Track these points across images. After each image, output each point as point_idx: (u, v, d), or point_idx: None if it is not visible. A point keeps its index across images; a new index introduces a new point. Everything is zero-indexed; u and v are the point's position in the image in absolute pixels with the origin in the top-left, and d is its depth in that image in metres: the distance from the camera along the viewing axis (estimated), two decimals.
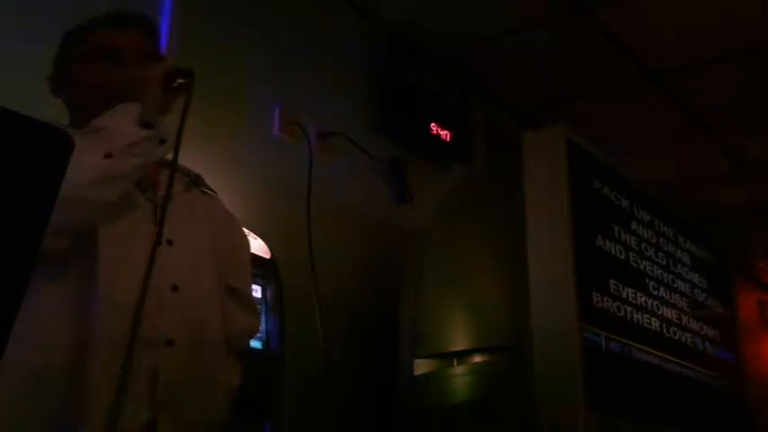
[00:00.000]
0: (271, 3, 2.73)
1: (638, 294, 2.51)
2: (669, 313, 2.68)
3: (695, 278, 2.95)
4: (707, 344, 2.89)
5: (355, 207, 2.85)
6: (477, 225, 2.48)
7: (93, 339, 1.19)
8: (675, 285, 2.79)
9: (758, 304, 5.87)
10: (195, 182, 1.50)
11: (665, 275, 2.73)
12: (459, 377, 2.35)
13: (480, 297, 2.40)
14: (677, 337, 2.68)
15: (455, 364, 2.39)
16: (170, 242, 1.32)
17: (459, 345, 2.38)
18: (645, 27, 3.14)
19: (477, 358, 2.35)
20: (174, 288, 1.30)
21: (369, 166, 2.94)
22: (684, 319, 2.77)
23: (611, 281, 2.39)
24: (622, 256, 2.50)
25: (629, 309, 2.43)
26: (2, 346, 0.59)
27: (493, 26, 3.17)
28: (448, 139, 3.26)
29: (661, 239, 2.78)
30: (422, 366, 2.46)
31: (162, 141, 1.28)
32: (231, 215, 1.59)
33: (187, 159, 1.41)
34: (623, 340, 2.34)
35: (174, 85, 1.35)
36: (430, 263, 2.58)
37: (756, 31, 3.13)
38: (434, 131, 3.21)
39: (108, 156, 1.19)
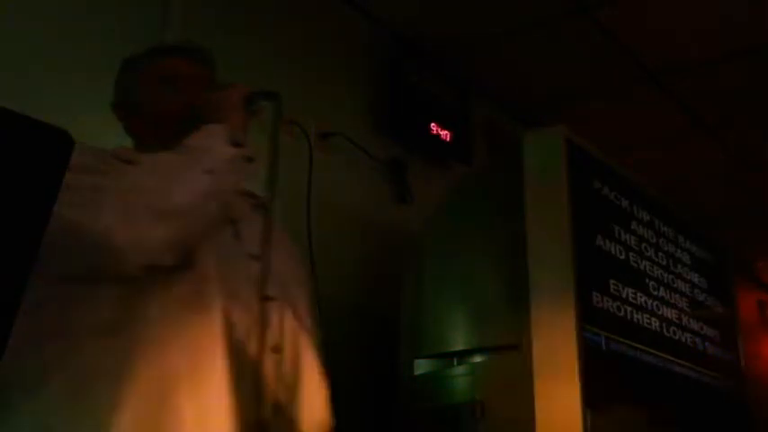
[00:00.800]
0: (271, 3, 2.73)
1: (638, 294, 2.51)
2: (669, 313, 2.68)
3: (695, 278, 2.95)
4: (707, 344, 2.89)
5: (355, 207, 2.85)
6: (477, 225, 2.48)
7: (210, 348, 1.23)
8: (675, 285, 2.79)
9: (758, 304, 5.87)
10: (261, 204, 1.53)
11: (665, 275, 2.73)
12: (459, 377, 2.35)
13: (480, 297, 2.40)
14: (677, 337, 2.68)
15: (455, 364, 2.39)
16: (255, 257, 1.36)
17: (459, 345, 2.38)
18: (645, 27, 3.14)
19: (477, 358, 2.35)
20: (272, 299, 1.34)
21: (369, 166, 2.94)
22: (684, 319, 2.77)
23: (611, 281, 2.39)
24: (622, 256, 2.50)
25: (629, 309, 2.43)
26: (2, 347, 0.59)
27: (493, 26, 3.17)
28: (448, 139, 3.25)
29: (661, 239, 2.78)
30: (422, 366, 2.46)
31: (250, 160, 1.35)
32: (287, 235, 1.65)
33: None
34: (623, 340, 2.34)
35: (254, 108, 1.45)
36: (430, 263, 2.58)
37: (756, 31, 3.13)
38: (434, 131, 3.21)
39: (209, 172, 1.24)
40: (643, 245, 2.64)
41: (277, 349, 1.31)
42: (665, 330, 2.62)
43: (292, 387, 1.34)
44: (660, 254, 2.74)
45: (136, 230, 1.11)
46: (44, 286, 1.09)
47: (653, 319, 2.56)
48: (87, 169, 1.15)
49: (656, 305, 2.61)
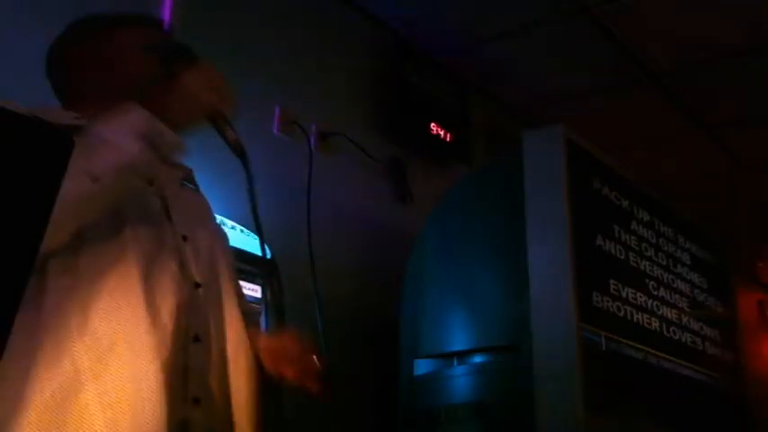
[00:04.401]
0: (271, 3, 2.73)
1: (638, 294, 2.51)
2: (669, 313, 2.68)
3: (695, 278, 2.95)
4: (707, 344, 2.89)
5: (355, 207, 2.85)
6: (477, 225, 2.48)
7: (135, 337, 1.18)
8: (675, 285, 2.79)
9: (758, 304, 5.87)
10: (187, 177, 1.49)
11: (665, 275, 2.73)
12: (459, 377, 2.35)
13: (480, 297, 2.40)
14: (677, 337, 2.68)
15: (455, 364, 2.39)
16: (185, 238, 1.31)
17: (459, 345, 2.38)
18: (645, 27, 3.14)
19: (478, 358, 2.35)
20: (197, 285, 1.29)
21: (369, 166, 2.94)
22: (684, 319, 2.77)
23: (611, 281, 2.39)
24: (622, 256, 2.50)
25: (629, 309, 2.43)
26: (1, 347, 0.59)
27: (493, 26, 3.17)
28: (448, 139, 3.26)
29: (661, 239, 2.78)
30: (422, 366, 2.46)
31: None
32: (211, 210, 1.57)
33: (188, 159, 1.41)
34: (623, 340, 2.34)
35: None
36: (430, 263, 2.58)
37: (756, 31, 3.13)
38: (434, 131, 3.21)
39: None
40: (643, 245, 2.64)
41: (197, 338, 1.26)
42: (665, 330, 2.62)
43: (215, 380, 1.27)
44: (660, 254, 2.74)
45: None
46: None
47: (653, 319, 2.56)
48: None
49: (656, 305, 2.61)
